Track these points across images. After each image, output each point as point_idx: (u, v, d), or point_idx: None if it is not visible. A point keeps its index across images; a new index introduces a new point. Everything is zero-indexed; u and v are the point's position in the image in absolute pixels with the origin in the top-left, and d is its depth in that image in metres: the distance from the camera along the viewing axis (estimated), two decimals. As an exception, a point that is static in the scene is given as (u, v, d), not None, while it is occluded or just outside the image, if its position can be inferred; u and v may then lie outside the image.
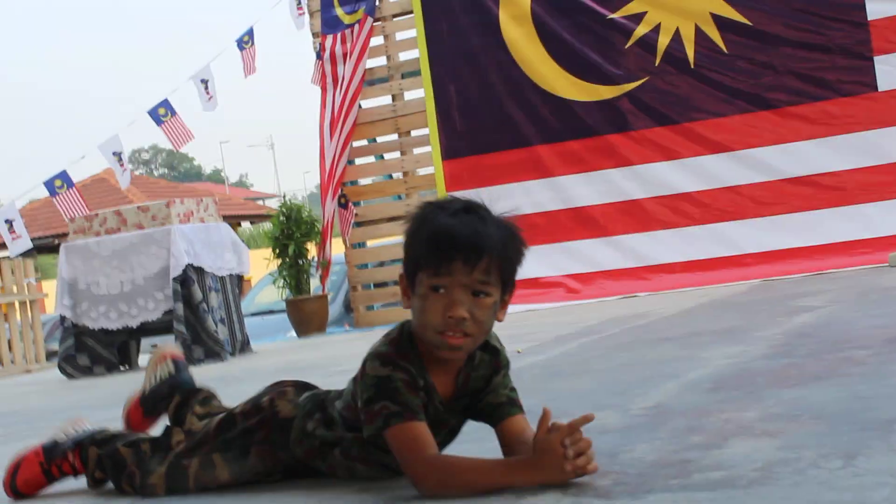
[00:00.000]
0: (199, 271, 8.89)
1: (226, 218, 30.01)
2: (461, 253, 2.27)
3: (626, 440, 2.70)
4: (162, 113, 11.05)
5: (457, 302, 2.28)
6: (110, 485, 2.91)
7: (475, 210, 2.34)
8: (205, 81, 11.23)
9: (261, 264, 12.20)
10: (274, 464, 2.66)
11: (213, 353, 8.72)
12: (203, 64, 11.31)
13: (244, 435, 2.68)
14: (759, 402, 3.03)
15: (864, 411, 2.66)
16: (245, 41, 11.36)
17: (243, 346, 9.30)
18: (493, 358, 2.50)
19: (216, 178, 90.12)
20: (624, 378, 3.99)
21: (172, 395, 3.04)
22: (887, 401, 2.75)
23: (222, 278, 9.18)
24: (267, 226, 11.99)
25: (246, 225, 37.57)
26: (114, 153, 11.01)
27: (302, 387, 2.73)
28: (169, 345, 3.38)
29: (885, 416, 2.55)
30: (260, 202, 55.20)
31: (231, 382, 6.59)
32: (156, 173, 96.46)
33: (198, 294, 8.77)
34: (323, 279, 11.26)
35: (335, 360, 7.26)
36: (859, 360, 3.60)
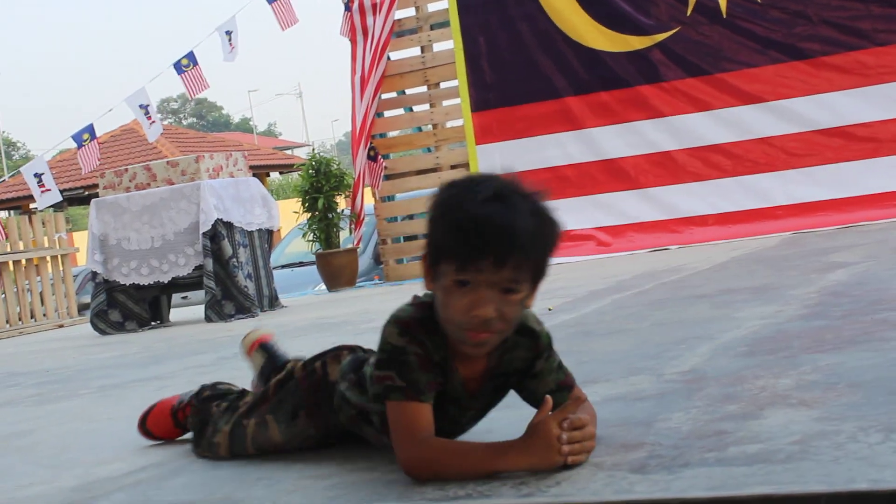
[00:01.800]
0: (229, 226, 8.91)
1: (254, 168, 30.24)
2: (490, 250, 2.09)
3: (662, 408, 2.68)
4: (185, 63, 11.06)
5: (483, 300, 2.13)
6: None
7: (507, 197, 2.13)
8: (229, 33, 11.19)
9: (290, 216, 12.21)
10: (326, 429, 2.59)
11: (244, 308, 8.75)
12: (229, 15, 11.28)
13: (294, 396, 2.64)
14: (795, 368, 3.00)
15: (903, 380, 2.63)
16: None
17: (272, 302, 9.34)
18: (531, 341, 2.36)
19: (245, 127, 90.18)
20: (657, 339, 3.97)
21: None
22: (926, 369, 2.73)
23: (251, 233, 9.19)
24: (296, 176, 11.98)
25: (275, 175, 37.62)
26: (140, 106, 11.01)
27: (355, 350, 2.64)
28: (257, 330, 3.33)
29: (923, 385, 2.52)
30: (289, 152, 55.26)
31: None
32: (184, 123, 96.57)
33: (228, 249, 8.79)
34: (356, 233, 11.26)
35: (366, 316, 7.27)
36: (896, 322, 3.57)
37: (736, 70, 10.02)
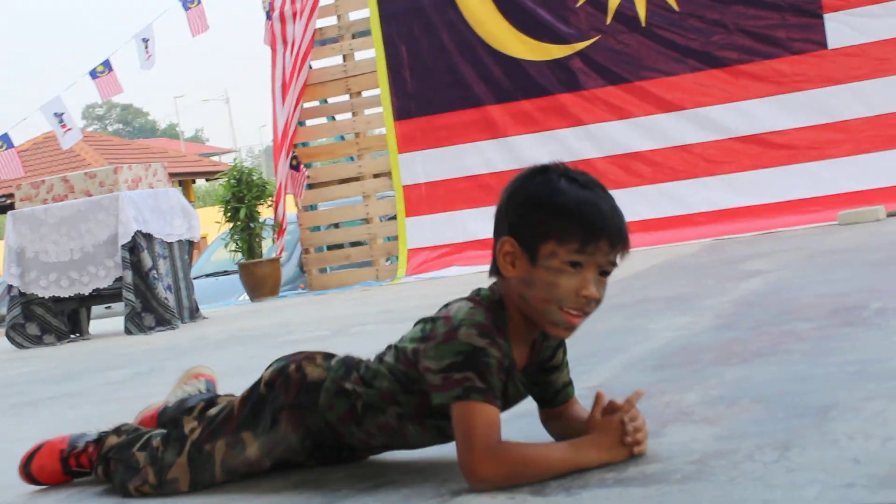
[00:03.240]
0: (149, 238, 8.83)
1: (180, 175, 29.90)
2: (609, 234, 2.19)
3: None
4: (100, 70, 10.97)
5: (591, 281, 2.21)
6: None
7: (601, 185, 2.27)
8: (146, 40, 11.12)
9: (217, 223, 12.07)
10: (304, 433, 2.48)
11: (165, 320, 8.67)
12: (146, 23, 11.20)
13: (272, 402, 2.51)
14: (702, 382, 3.03)
15: (801, 394, 2.66)
16: (191, 2, 11.22)
17: (192, 313, 9.26)
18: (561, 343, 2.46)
19: (171, 133, 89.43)
20: (570, 351, 3.97)
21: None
22: (824, 383, 2.76)
23: (171, 244, 9.11)
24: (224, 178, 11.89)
25: (201, 182, 37.35)
26: (55, 114, 10.90)
27: (329, 356, 2.56)
28: (202, 365, 3.27)
29: (821, 401, 2.55)
30: (216, 158, 54.89)
31: (182, 354, 6.55)
32: (110, 129, 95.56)
33: (147, 261, 8.71)
34: (278, 242, 11.20)
35: (287, 328, 7.24)
36: (802, 334, 3.61)
37: (655, 78, 10.11)
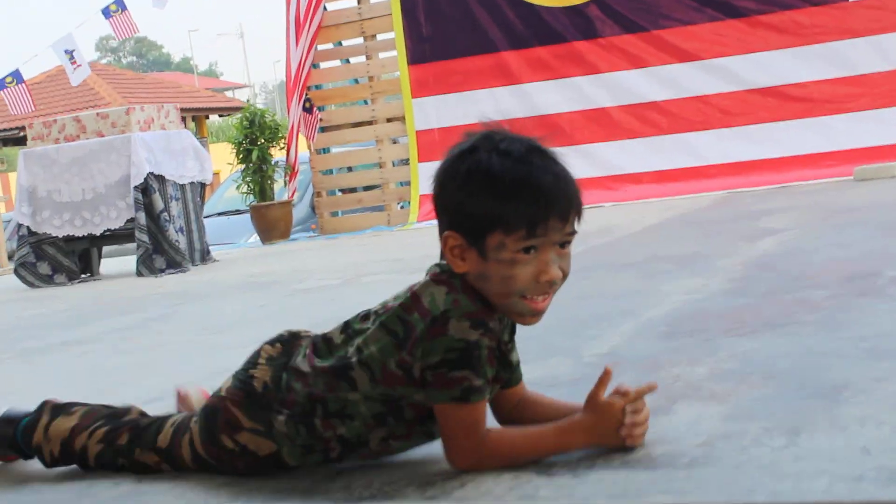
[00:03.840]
0: (161, 180, 8.80)
1: (194, 111, 29.80)
2: (557, 209, 2.00)
3: (576, 397, 2.65)
4: (113, 9, 10.91)
5: (549, 262, 2.03)
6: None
7: (539, 149, 2.06)
8: None
9: (230, 158, 11.97)
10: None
11: (175, 262, 8.67)
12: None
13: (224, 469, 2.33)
14: (712, 353, 3.01)
15: (813, 371, 2.64)
16: None
17: (203, 256, 9.24)
18: None
19: (185, 66, 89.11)
20: (579, 314, 3.95)
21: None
22: (836, 360, 2.74)
23: (183, 186, 9.09)
24: (238, 116, 11.83)
25: (214, 118, 37.26)
26: (66, 51, 10.87)
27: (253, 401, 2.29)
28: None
29: (832, 379, 2.53)
30: (230, 93, 54.73)
31: (192, 299, 6.56)
32: (124, 62, 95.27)
33: (159, 203, 8.69)
34: (290, 185, 11.16)
35: (298, 275, 7.23)
36: (815, 303, 3.58)
37: (673, 27, 10.01)
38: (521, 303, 2.06)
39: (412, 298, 2.12)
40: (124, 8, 10.82)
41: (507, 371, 2.28)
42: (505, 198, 2.00)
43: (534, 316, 2.10)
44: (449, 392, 2.06)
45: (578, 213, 2.07)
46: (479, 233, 2.03)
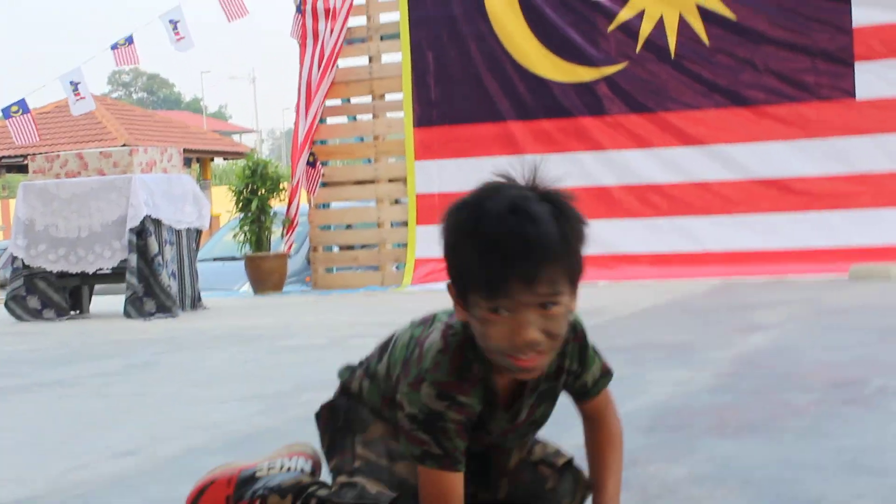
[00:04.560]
0: (157, 223, 8.79)
1: (200, 153, 29.88)
2: (516, 271, 1.90)
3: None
4: (121, 42, 11.08)
5: (524, 324, 1.93)
6: None
7: (523, 207, 1.95)
8: (174, 22, 11.11)
9: (231, 204, 11.91)
10: None
11: (165, 307, 8.64)
12: (175, 4, 11.17)
13: None
14: (691, 453, 2.98)
15: (791, 483, 2.61)
16: None
17: (194, 302, 9.21)
18: (571, 333, 2.13)
19: (195, 107, 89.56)
20: (563, 399, 3.91)
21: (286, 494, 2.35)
22: (814, 472, 2.70)
23: (179, 231, 9.07)
24: (241, 163, 11.86)
25: (219, 160, 37.35)
26: (71, 82, 10.99)
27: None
28: (303, 442, 2.59)
29: (808, 493, 2.50)
30: (237, 137, 54.96)
31: (178, 348, 6.52)
32: (134, 97, 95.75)
33: (154, 246, 8.68)
34: (287, 238, 11.14)
35: (286, 330, 7.20)
36: (800, 408, 3.56)
37: (679, 111, 10.05)
38: (506, 360, 1.98)
39: (418, 343, 2.13)
40: (131, 42, 10.97)
41: (583, 389, 2.24)
42: (470, 256, 1.95)
43: (525, 372, 2.02)
44: (411, 448, 2.06)
45: (556, 272, 1.93)
46: (461, 287, 1.99)
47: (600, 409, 2.28)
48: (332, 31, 11.04)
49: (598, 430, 2.29)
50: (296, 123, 11.22)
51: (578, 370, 2.20)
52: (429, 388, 2.02)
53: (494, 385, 2.08)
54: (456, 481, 2.06)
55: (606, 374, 2.26)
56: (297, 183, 11.04)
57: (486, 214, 1.94)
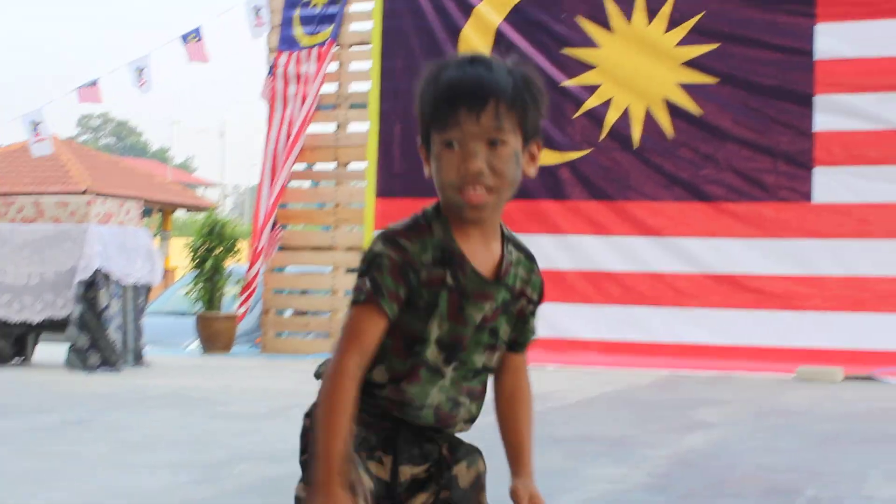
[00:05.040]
0: (107, 276, 8.71)
1: (162, 203, 29.72)
2: (465, 100, 2.08)
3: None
4: (88, 85, 11.24)
5: (471, 154, 2.08)
6: None
7: (482, 60, 2.16)
8: (140, 69, 11.22)
9: (183, 268, 11.96)
10: None
11: (110, 361, 8.56)
12: (145, 52, 11.33)
13: None
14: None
15: None
16: (191, 37, 11.27)
17: (137, 358, 9.08)
18: (529, 263, 2.25)
19: (161, 156, 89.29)
20: (495, 493, 3.89)
21: None
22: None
23: (127, 286, 8.98)
24: (203, 215, 11.83)
25: (180, 212, 37.22)
26: (32, 121, 11.10)
27: None
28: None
29: None
30: (201, 190, 54.80)
31: (117, 406, 6.44)
32: (101, 142, 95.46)
33: (104, 299, 8.62)
34: (243, 302, 11.03)
35: (228, 394, 7.15)
36: (729, 517, 3.55)
37: (639, 200, 10.11)
38: (455, 195, 2.10)
39: None
40: (94, 83, 11.12)
41: (518, 331, 2.26)
42: (431, 97, 2.11)
43: (470, 209, 2.11)
44: (353, 296, 2.13)
45: (501, 109, 2.09)
46: (426, 135, 2.14)
47: (522, 365, 2.32)
48: (303, 98, 11.05)
49: (516, 385, 2.32)
50: (259, 187, 11.21)
51: (535, 303, 2.26)
52: (377, 239, 2.13)
53: (456, 248, 2.15)
54: (376, 319, 2.11)
55: (534, 331, 2.30)
56: (261, 251, 10.94)
57: (448, 64, 2.14)
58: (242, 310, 10.98)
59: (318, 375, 2.24)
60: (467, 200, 2.10)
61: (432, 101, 2.12)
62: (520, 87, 2.13)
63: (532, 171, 2.17)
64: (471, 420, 2.27)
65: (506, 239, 2.22)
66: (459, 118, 2.08)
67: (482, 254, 2.19)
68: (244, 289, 11.00)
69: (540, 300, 2.27)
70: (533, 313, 2.28)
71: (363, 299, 2.10)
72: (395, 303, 2.12)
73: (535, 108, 2.15)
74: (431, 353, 2.16)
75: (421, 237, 2.15)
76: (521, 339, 2.28)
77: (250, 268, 10.96)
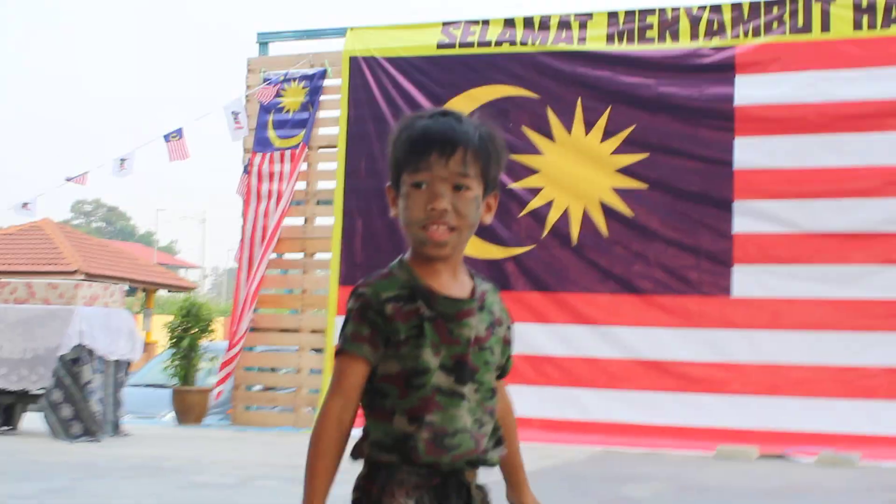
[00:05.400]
0: (92, 352, 8.68)
1: (146, 283, 29.58)
2: (436, 146, 2.14)
3: None
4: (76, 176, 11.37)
5: (437, 195, 2.13)
6: None
7: (452, 114, 2.22)
8: (123, 160, 11.29)
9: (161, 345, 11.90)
10: None
11: (91, 431, 8.49)
12: (131, 148, 11.43)
13: None
14: None
15: None
16: (172, 136, 11.31)
17: (115, 427, 9.02)
18: (496, 291, 2.30)
19: (147, 239, 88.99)
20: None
21: None
22: None
23: (110, 362, 8.94)
24: (183, 295, 11.80)
25: (163, 291, 37.00)
26: (23, 204, 11.32)
27: None
28: None
29: None
30: (182, 271, 54.59)
31: (96, 475, 6.37)
32: (93, 226, 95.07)
33: (87, 374, 8.57)
34: (220, 381, 10.90)
35: (199, 464, 7.09)
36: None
37: (577, 292, 10.17)
38: (420, 232, 2.14)
39: None
40: (83, 175, 11.22)
41: (504, 356, 2.32)
42: (404, 143, 2.18)
43: (432, 245, 2.14)
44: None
45: (468, 158, 2.14)
46: (396, 178, 2.19)
47: (503, 385, 2.43)
48: (278, 195, 11.07)
49: (505, 409, 2.45)
50: (238, 274, 11.19)
51: (510, 328, 2.33)
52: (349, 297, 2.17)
53: (422, 283, 2.16)
54: (351, 363, 2.13)
55: (511, 359, 2.38)
56: (241, 338, 10.87)
57: (423, 115, 2.22)
58: (219, 389, 10.85)
59: (352, 455, 2.24)
60: (430, 236, 2.14)
61: (406, 145, 2.17)
62: (485, 140, 2.19)
63: (488, 219, 2.23)
64: (491, 439, 2.26)
65: (472, 274, 2.26)
66: (430, 161, 2.14)
67: (453, 286, 2.20)
68: (223, 366, 10.88)
69: (511, 324, 2.33)
70: (510, 340, 2.33)
71: (338, 350, 2.14)
72: (364, 343, 2.13)
73: (497, 161, 2.21)
74: (438, 378, 2.14)
75: (381, 279, 2.18)
76: (506, 365, 2.36)
77: (229, 349, 10.88)
